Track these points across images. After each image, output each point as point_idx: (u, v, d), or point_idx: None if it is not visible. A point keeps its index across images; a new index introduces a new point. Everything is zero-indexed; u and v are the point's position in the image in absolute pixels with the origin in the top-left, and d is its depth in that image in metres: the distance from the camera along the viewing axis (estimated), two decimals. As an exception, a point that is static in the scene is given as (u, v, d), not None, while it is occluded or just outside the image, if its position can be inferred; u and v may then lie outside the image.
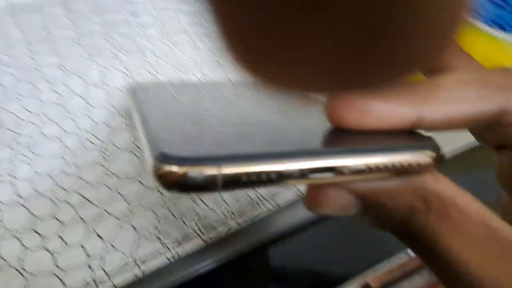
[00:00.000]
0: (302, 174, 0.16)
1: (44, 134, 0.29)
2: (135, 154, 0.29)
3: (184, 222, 0.27)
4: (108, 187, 0.27)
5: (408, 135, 0.18)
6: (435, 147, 0.18)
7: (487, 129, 0.20)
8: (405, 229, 0.18)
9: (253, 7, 0.08)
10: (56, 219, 0.26)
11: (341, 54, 0.08)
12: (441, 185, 0.17)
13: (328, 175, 0.17)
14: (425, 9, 0.08)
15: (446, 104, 0.17)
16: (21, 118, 0.29)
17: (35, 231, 0.25)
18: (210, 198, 0.28)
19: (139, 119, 0.20)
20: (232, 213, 0.28)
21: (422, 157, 0.17)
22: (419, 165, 0.17)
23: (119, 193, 0.27)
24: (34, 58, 0.32)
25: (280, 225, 0.28)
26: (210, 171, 0.15)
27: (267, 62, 0.09)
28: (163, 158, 0.15)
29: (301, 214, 0.29)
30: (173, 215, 0.27)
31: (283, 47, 0.08)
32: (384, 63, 0.09)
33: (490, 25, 0.35)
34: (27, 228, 0.25)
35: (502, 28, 0.35)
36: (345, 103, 0.17)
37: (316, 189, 0.18)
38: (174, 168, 0.15)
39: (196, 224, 0.27)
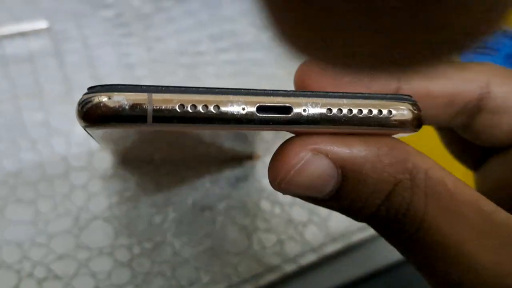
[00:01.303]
0: (249, 112, 0.14)
1: (17, 196, 0.28)
2: (111, 224, 0.27)
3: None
4: (77, 261, 0.26)
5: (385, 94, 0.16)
6: (414, 103, 0.15)
7: (467, 129, 0.19)
8: (387, 212, 0.15)
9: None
10: (19, 293, 0.25)
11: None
12: (428, 162, 0.15)
13: (282, 117, 0.14)
14: None
15: (427, 78, 0.17)
16: (-3, 178, 0.28)
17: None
18: (185, 275, 0.26)
19: None
20: (207, 294, 0.26)
21: (398, 108, 0.15)
22: (394, 116, 0.15)
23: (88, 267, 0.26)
24: (19, 114, 0.31)
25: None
26: (139, 98, 0.14)
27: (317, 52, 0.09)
28: (89, 89, 0.14)
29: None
30: (143, 293, 0.26)
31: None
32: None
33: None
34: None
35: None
36: (318, 71, 0.16)
37: (283, 149, 0.15)
38: (100, 97, 0.14)
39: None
